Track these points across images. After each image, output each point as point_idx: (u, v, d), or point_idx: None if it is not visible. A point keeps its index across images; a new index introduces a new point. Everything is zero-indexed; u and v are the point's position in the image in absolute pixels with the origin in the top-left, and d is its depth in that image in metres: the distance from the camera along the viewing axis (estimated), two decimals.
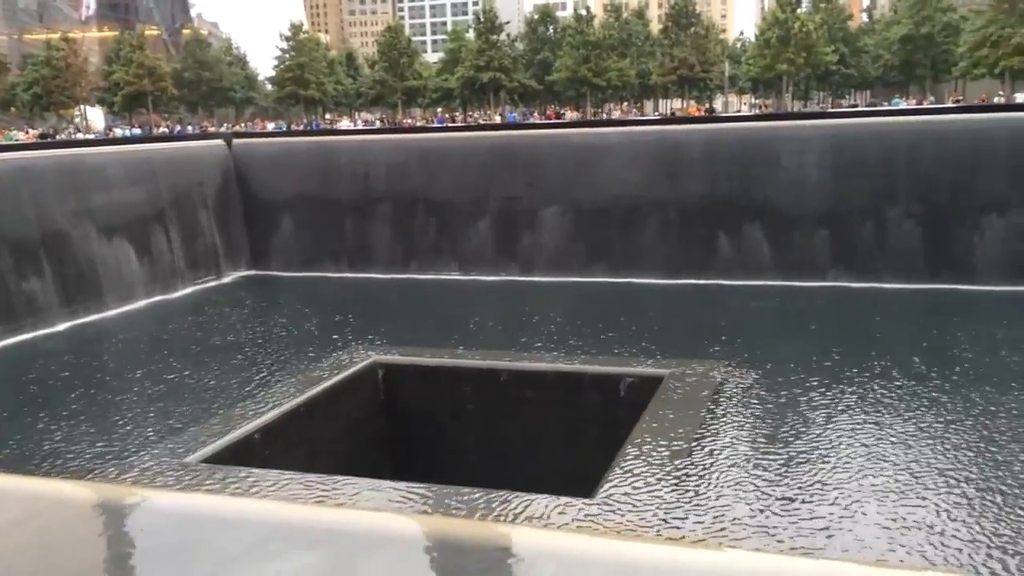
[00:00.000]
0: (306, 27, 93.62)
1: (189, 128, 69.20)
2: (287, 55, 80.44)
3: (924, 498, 8.79)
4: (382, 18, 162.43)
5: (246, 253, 31.38)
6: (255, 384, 16.33)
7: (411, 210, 29.68)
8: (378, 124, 69.68)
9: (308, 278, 29.75)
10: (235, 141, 32.88)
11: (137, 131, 65.49)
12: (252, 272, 31.10)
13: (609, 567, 1.48)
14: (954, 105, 48.38)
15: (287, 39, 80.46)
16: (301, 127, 66.96)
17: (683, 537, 3.26)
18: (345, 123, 71.29)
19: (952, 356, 17.55)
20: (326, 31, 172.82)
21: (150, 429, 13.95)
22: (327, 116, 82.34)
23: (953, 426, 13.12)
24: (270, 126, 67.33)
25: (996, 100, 53.04)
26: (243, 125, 77.02)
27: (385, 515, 2.14)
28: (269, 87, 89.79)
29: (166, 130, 67.77)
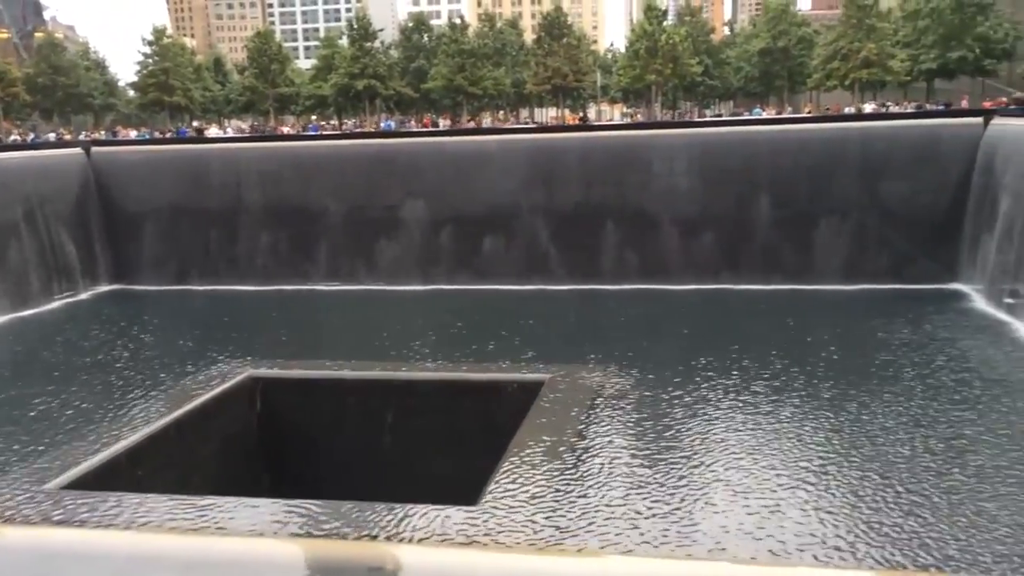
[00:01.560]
0: (170, 31, 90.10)
1: (51, 136, 65.27)
2: (150, 60, 77.25)
3: (790, 492, 9.25)
4: (251, 23, 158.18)
5: (108, 267, 29.88)
6: (121, 404, 15.54)
7: (286, 220, 28.97)
8: (214, 131, 67.69)
9: (176, 292, 28.60)
10: (95, 149, 31.29)
11: None
12: (115, 287, 29.65)
13: None
14: (808, 115, 51.08)
15: (150, 44, 77.27)
16: (168, 135, 64.33)
17: (564, 544, 3.28)
18: (214, 130, 68.92)
19: (808, 353, 18.54)
20: (192, 36, 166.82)
21: (5, 455, 13.06)
22: (194, 123, 79.45)
23: (809, 420, 13.92)
24: (132, 134, 64.30)
25: (847, 110, 56.31)
26: (103, 133, 73.34)
27: (258, 539, 2.03)
28: (131, 93, 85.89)
29: (18, 138, 63.72)
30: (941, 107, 49.18)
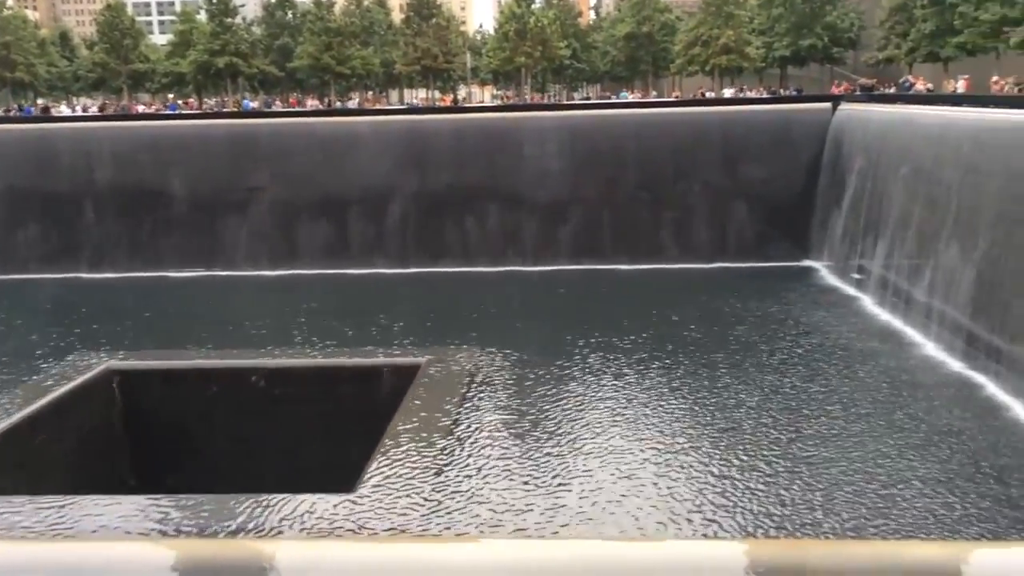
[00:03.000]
0: (10, 3, 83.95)
1: None
2: None
3: (655, 467, 9.65)
4: None
5: None
6: None
7: (143, 203, 27.63)
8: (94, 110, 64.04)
9: (21, 281, 26.83)
10: None
11: None
12: None
13: (369, 569, 1.45)
14: (672, 99, 52.75)
15: None
16: (12, 113, 60.00)
17: (443, 530, 3.30)
18: (63, 109, 64.77)
19: (671, 330, 19.26)
20: (34, 8, 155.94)
21: None
22: (39, 101, 74.48)
23: (672, 395, 14.48)
24: None
25: (708, 95, 58.35)
26: None
27: (124, 542, 1.92)
28: None
29: None
30: (794, 93, 51.69)
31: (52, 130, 30.48)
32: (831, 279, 24.29)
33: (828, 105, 27.23)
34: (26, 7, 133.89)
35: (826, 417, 13.45)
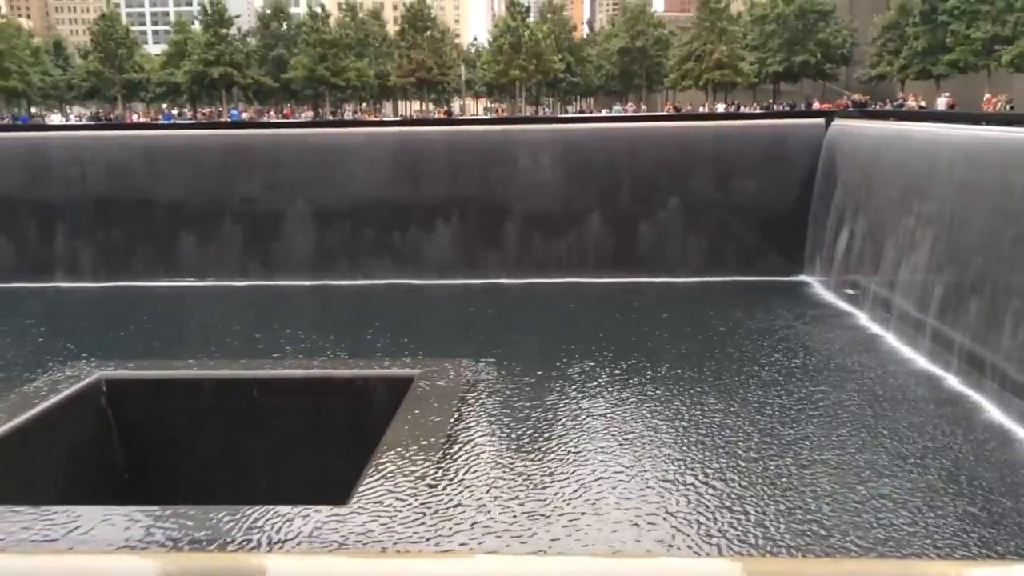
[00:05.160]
0: (3, 11, 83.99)
1: None
2: None
3: (646, 485, 9.63)
4: (94, 4, 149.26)
5: None
6: None
7: (137, 213, 27.55)
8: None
9: (12, 290, 26.68)
10: None
11: None
12: None
13: None
14: (666, 113, 53.00)
15: None
16: (6, 121, 59.89)
17: (436, 544, 3.27)
18: (56, 118, 64.71)
19: (664, 345, 19.25)
20: (28, 16, 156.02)
21: None
22: (32, 109, 74.40)
23: (666, 412, 14.45)
24: None
25: (701, 109, 58.59)
26: None
27: (107, 556, 1.87)
28: None
29: None
30: (786, 108, 51.96)
31: (45, 139, 30.40)
32: (825, 294, 24.32)
33: (821, 121, 27.34)
34: (20, 15, 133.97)
35: (817, 433, 13.43)
